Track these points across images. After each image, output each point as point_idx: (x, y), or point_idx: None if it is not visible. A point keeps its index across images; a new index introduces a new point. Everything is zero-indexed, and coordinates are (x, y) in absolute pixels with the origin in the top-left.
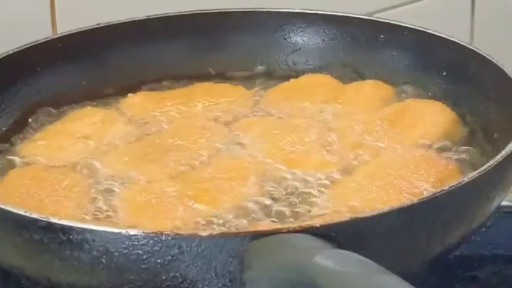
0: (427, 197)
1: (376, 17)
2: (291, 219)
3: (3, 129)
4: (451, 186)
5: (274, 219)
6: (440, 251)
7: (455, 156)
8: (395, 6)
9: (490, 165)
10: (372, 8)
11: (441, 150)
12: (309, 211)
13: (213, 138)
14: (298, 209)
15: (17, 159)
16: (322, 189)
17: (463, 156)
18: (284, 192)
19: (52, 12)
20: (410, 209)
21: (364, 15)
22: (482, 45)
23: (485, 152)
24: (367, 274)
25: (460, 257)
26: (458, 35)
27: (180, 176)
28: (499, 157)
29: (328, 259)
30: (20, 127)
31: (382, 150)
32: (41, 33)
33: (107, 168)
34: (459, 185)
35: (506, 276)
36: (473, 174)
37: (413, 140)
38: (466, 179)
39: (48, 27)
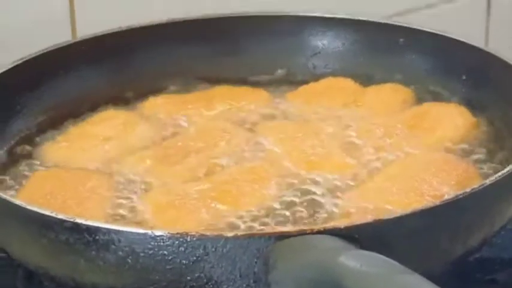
0: (449, 199)
1: (396, 21)
2: (313, 221)
3: (26, 131)
4: (473, 189)
5: (297, 221)
6: (462, 253)
7: (475, 159)
8: (412, 11)
9: (510, 169)
10: (389, 12)
11: (461, 153)
12: (331, 213)
13: (233, 141)
14: (319, 211)
15: (40, 161)
16: (344, 191)
17: (483, 159)
18: (306, 194)
19: (72, 15)
20: (433, 211)
21: (382, 18)
22: (498, 49)
23: (504, 155)
24: (392, 274)
25: (480, 259)
26: (473, 38)
27: (201, 178)
28: None
29: (353, 260)
30: (42, 130)
31: (402, 153)
32: (61, 36)
33: (129, 170)
34: (481, 187)
35: None
36: (494, 177)
37: (433, 143)
38: (487, 182)
39: (67, 30)
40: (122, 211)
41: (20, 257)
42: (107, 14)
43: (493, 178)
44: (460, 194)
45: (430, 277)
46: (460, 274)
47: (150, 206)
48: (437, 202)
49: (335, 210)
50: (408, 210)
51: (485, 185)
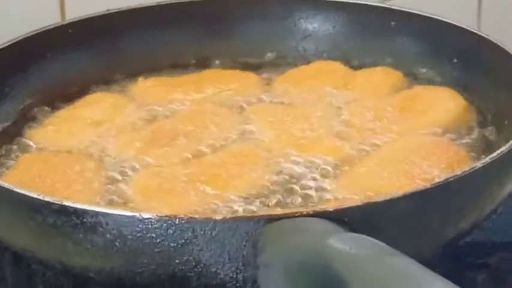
0: (440, 182)
1: (387, 4)
2: (303, 204)
3: (14, 114)
4: (463, 172)
5: (287, 204)
6: (452, 236)
7: (466, 142)
8: None
9: (501, 152)
10: None
11: (452, 136)
12: (321, 196)
13: (223, 124)
14: (309, 194)
15: (28, 144)
16: (334, 174)
17: (474, 142)
18: (295, 177)
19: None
20: (424, 193)
21: (375, 2)
22: (490, 31)
23: (495, 138)
24: (382, 256)
25: (471, 243)
26: (465, 21)
27: (190, 161)
28: (509, 144)
29: (342, 242)
30: (30, 113)
31: (393, 137)
32: (50, 19)
33: (118, 153)
34: (472, 170)
35: None
36: (485, 160)
37: (424, 126)
38: (478, 165)
39: (57, 13)
40: (110, 194)
41: (7, 240)
42: None
43: (483, 161)
44: (451, 177)
45: (421, 260)
46: (451, 258)
47: (138, 189)
48: (428, 185)
49: (325, 193)
50: (398, 193)
51: (475, 167)
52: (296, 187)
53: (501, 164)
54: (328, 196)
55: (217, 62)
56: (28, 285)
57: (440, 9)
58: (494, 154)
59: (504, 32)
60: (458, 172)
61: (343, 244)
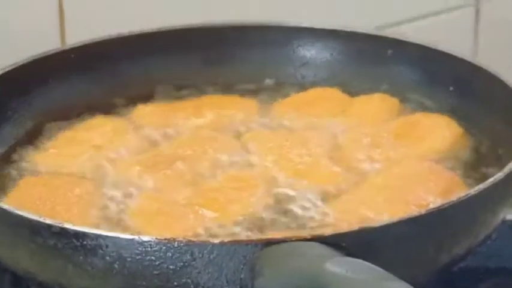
0: (434, 208)
1: (383, 33)
2: (300, 229)
3: (16, 138)
4: (458, 198)
5: (284, 229)
6: (447, 261)
7: (461, 170)
8: (400, 23)
9: (495, 179)
10: (377, 23)
11: (447, 163)
12: (318, 221)
13: (221, 149)
14: (306, 219)
15: (29, 167)
16: (331, 200)
17: (469, 169)
18: (292, 202)
19: (61, 22)
20: (419, 219)
21: (370, 29)
22: (487, 59)
23: (490, 166)
24: (378, 281)
25: (465, 269)
26: (462, 50)
27: (189, 185)
28: (503, 172)
29: (339, 266)
30: (32, 136)
31: (389, 163)
32: (50, 43)
33: (118, 176)
34: (466, 197)
35: None
36: (479, 187)
37: (420, 153)
38: (472, 192)
39: (57, 37)
40: (110, 217)
41: (7, 261)
42: (97, 22)
43: (477, 188)
44: (446, 203)
45: (416, 285)
46: (445, 283)
47: (138, 212)
48: (423, 211)
49: (322, 218)
50: (394, 218)
51: (469, 194)
52: (293, 212)
53: (495, 191)
54: (325, 221)
55: (216, 87)
56: None
57: (438, 37)
58: (488, 181)
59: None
60: (453, 199)
61: (340, 268)
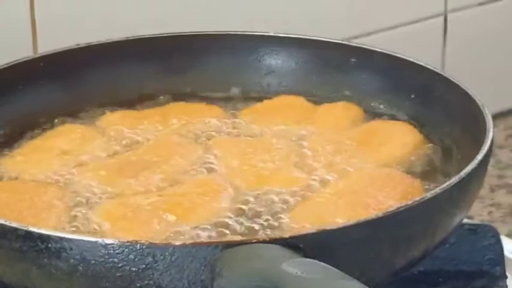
0: (390, 211)
1: (347, 41)
2: (261, 232)
3: None
4: (414, 201)
5: (245, 232)
6: (403, 263)
7: (421, 175)
8: (370, 33)
9: (451, 183)
10: (347, 34)
11: (407, 169)
12: (278, 224)
13: (187, 156)
14: (268, 223)
15: None
16: (292, 204)
17: (428, 174)
18: (255, 207)
19: (33, 32)
20: (375, 222)
21: (336, 39)
22: (454, 71)
23: (448, 171)
24: (332, 280)
25: (424, 272)
26: (430, 60)
27: (155, 191)
28: (459, 176)
29: (294, 267)
30: (0, 142)
31: (351, 169)
32: (23, 52)
33: (85, 182)
34: (422, 200)
35: None
36: (435, 191)
37: (381, 159)
38: (428, 195)
39: (29, 46)
40: (77, 221)
41: None
42: (68, 31)
43: (433, 191)
44: (401, 207)
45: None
46: (404, 286)
47: (103, 216)
48: (380, 213)
49: (283, 222)
50: (351, 221)
51: (425, 198)
52: (255, 216)
53: (451, 194)
54: (286, 224)
55: (183, 95)
56: None
57: (407, 48)
58: (444, 185)
59: (469, 69)
60: (409, 202)
61: (295, 269)
